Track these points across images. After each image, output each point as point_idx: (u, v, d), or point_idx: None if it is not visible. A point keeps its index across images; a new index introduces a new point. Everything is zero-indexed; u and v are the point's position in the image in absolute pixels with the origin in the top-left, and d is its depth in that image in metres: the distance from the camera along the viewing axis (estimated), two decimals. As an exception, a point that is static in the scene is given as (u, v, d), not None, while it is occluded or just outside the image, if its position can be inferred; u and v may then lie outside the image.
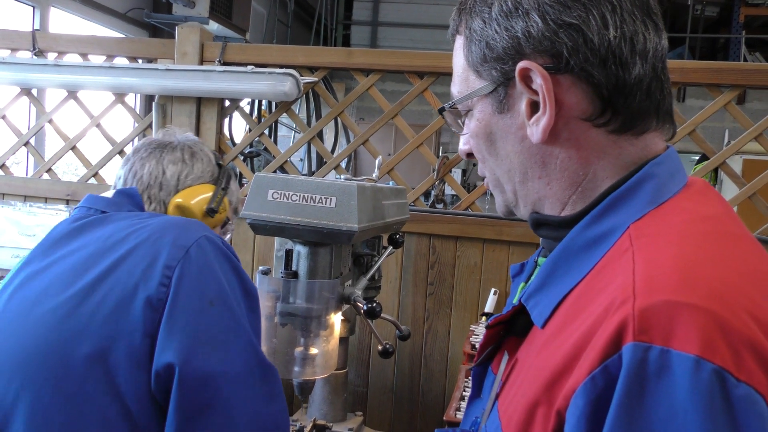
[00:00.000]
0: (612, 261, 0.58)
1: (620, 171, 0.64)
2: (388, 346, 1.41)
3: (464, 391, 1.22)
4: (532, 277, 0.67)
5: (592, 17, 0.61)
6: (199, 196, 1.22)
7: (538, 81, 0.62)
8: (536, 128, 0.64)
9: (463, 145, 0.75)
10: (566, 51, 0.61)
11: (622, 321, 0.50)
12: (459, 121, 0.74)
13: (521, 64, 0.63)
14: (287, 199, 1.26)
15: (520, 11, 0.63)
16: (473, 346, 1.54)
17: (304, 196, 1.26)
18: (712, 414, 0.45)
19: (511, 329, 0.70)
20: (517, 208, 0.72)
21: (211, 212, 1.23)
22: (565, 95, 0.63)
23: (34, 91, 2.35)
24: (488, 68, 0.66)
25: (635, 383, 0.47)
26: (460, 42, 0.71)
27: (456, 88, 0.72)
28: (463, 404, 1.15)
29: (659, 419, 0.46)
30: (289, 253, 1.31)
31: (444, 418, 1.09)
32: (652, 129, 0.65)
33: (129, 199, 1.15)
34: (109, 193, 1.16)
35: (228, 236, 1.39)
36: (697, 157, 6.58)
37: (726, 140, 5.63)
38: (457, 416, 1.12)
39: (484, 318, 1.90)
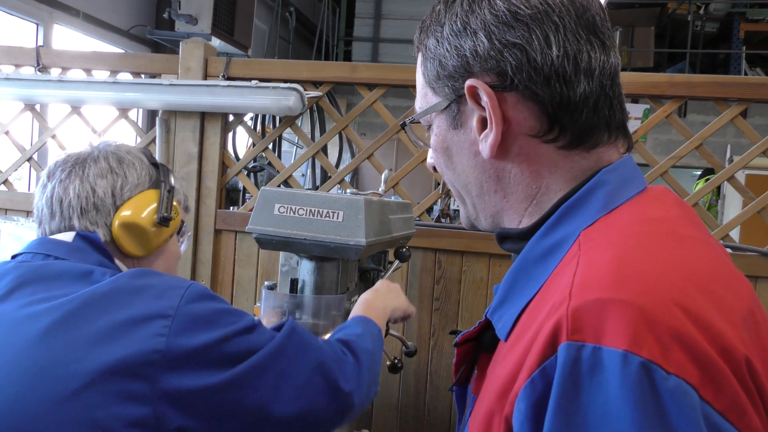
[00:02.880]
0: (563, 269, 0.59)
1: (572, 182, 0.66)
2: (396, 361, 1.39)
3: (474, 408, 1.20)
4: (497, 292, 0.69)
5: (535, 37, 0.62)
6: (145, 208, 1.04)
7: (485, 98, 0.64)
8: (485, 144, 0.66)
9: (429, 158, 0.77)
10: (510, 70, 0.63)
11: (557, 322, 0.51)
12: (426, 135, 0.77)
13: (468, 82, 0.65)
14: (294, 213, 1.25)
15: (468, 31, 0.65)
16: (481, 363, 1.51)
17: (311, 210, 1.24)
18: (643, 408, 0.45)
19: (481, 346, 0.71)
20: (478, 220, 0.74)
21: (164, 221, 1.06)
22: (512, 112, 0.64)
23: (38, 107, 2.35)
24: (441, 85, 0.69)
25: (570, 382, 0.48)
26: (420, 59, 0.73)
27: (417, 104, 0.75)
28: (474, 422, 1.13)
29: (594, 416, 0.47)
30: (294, 282, 1.31)
31: (455, 436, 1.06)
32: (604, 143, 0.66)
33: (92, 245, 0.99)
34: (64, 236, 0.99)
35: (185, 242, 1.24)
36: (699, 172, 6.58)
37: (728, 155, 5.63)
38: (468, 435, 1.09)
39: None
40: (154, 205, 1.06)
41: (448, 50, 0.67)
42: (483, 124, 0.66)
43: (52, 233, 1.03)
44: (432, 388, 2.01)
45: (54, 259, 0.94)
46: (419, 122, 0.75)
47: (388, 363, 1.39)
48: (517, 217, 0.69)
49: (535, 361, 0.51)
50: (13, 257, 0.99)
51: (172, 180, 1.13)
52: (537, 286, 0.61)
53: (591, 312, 0.50)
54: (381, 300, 1.29)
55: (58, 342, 0.80)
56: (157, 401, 0.79)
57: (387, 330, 1.30)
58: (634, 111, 6.62)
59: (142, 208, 1.04)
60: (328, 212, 1.23)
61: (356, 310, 1.24)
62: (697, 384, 0.46)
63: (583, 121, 0.64)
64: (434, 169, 0.77)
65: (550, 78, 0.62)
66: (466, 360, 0.74)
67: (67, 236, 0.99)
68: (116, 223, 1.02)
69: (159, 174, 1.10)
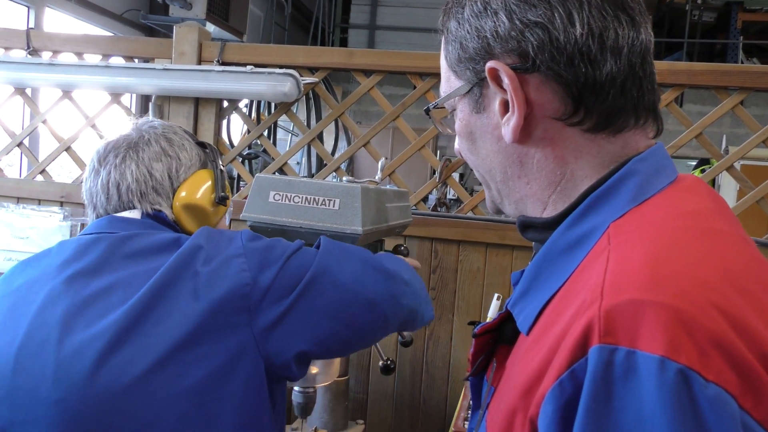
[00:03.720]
0: (590, 262, 0.57)
1: (600, 169, 0.63)
2: (389, 362, 1.36)
3: (471, 400, 1.18)
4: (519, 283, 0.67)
5: (557, 14, 0.60)
6: (201, 188, 1.09)
7: (506, 80, 0.62)
8: (507, 128, 0.64)
9: (456, 144, 0.75)
10: (532, 50, 0.61)
11: (588, 323, 0.48)
12: (440, 120, 0.75)
13: (489, 64, 0.63)
14: (289, 200, 1.23)
15: (488, 11, 0.63)
16: (478, 353, 1.50)
17: (306, 198, 1.22)
18: (681, 416, 0.43)
19: (501, 337, 0.70)
20: (502, 205, 0.72)
21: (223, 201, 1.13)
22: (534, 95, 0.62)
23: (29, 91, 2.31)
24: (463, 68, 0.67)
25: (602, 387, 0.46)
26: (443, 42, 0.72)
27: (442, 89, 0.73)
28: (470, 413, 1.11)
29: (627, 423, 0.44)
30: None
31: (452, 428, 1.05)
32: (632, 127, 0.63)
33: (160, 222, 1.06)
34: (130, 214, 1.04)
35: (228, 216, 1.29)
36: (694, 163, 6.58)
37: (724, 145, 5.62)
38: (466, 426, 1.08)
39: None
40: (209, 183, 1.11)
41: (468, 32, 0.65)
42: (505, 107, 0.64)
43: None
44: (428, 377, 2.00)
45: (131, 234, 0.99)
46: (444, 108, 0.72)
47: (380, 364, 1.36)
48: (540, 205, 0.67)
49: (563, 362, 0.49)
50: (85, 234, 1.02)
51: (220, 161, 1.19)
52: (562, 279, 0.59)
53: (625, 314, 0.47)
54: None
55: (164, 303, 0.89)
56: (258, 332, 0.91)
57: None
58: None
59: (199, 189, 1.10)
60: (324, 200, 1.21)
61: None
62: (737, 393, 0.44)
63: (609, 102, 0.61)
64: (460, 154, 0.76)
65: (573, 57, 0.60)
66: (484, 351, 0.72)
67: (134, 213, 1.04)
68: (177, 204, 1.07)
69: (206, 154, 1.16)
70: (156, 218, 1.05)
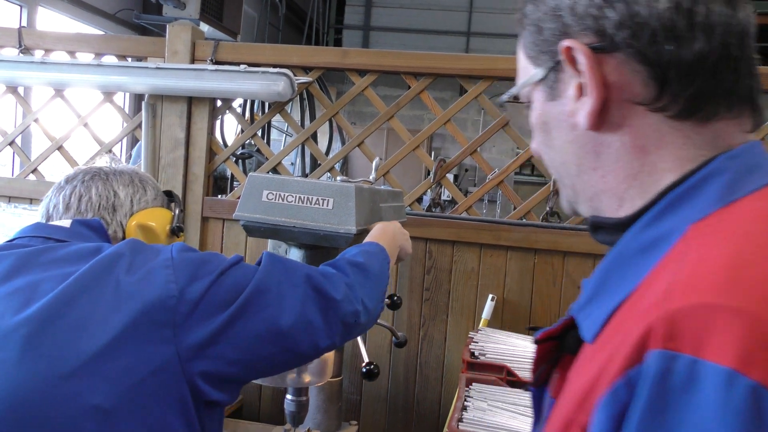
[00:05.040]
0: (665, 267, 0.51)
1: (684, 163, 0.56)
2: (372, 366, 1.34)
3: (466, 400, 1.18)
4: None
5: None
6: (161, 218, 1.11)
7: (582, 60, 0.57)
8: (582, 113, 0.58)
9: (533, 144, 0.69)
10: (611, 27, 0.56)
11: (649, 325, 0.43)
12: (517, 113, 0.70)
13: (564, 43, 0.58)
14: (282, 200, 1.22)
15: None
16: (472, 354, 1.49)
17: (300, 198, 1.21)
18: None
19: (565, 346, 0.64)
20: (577, 204, 0.66)
21: (178, 231, 1.14)
22: (613, 76, 0.57)
23: (21, 90, 2.29)
24: (538, 52, 0.62)
25: (657, 397, 0.41)
26: (522, 33, 0.66)
27: (519, 80, 0.67)
28: (465, 414, 1.10)
29: None
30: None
31: (446, 429, 1.04)
32: (723, 116, 0.56)
33: (91, 230, 1.00)
34: (61, 222, 1.00)
35: None
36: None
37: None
38: (460, 427, 1.07)
39: (482, 322, 1.86)
40: (168, 216, 1.13)
41: (545, 13, 0.60)
42: (581, 91, 0.59)
43: None
44: (421, 378, 1.99)
45: (55, 242, 0.95)
46: (518, 100, 0.67)
47: (363, 368, 1.34)
48: (616, 201, 0.61)
49: (618, 367, 0.44)
50: (8, 242, 0.98)
51: (180, 211, 1.20)
52: (632, 285, 0.53)
53: (692, 317, 0.42)
54: (392, 230, 1.28)
55: (75, 312, 0.82)
56: (183, 350, 0.83)
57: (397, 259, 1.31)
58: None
59: (158, 217, 1.11)
60: (317, 199, 1.20)
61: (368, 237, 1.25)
62: None
63: (697, 86, 0.55)
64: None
65: (656, 34, 0.54)
66: (546, 359, 0.66)
67: (65, 222, 1.00)
68: (133, 222, 1.06)
69: (172, 197, 1.18)
70: (90, 226, 1.01)
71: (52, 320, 0.81)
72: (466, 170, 7.90)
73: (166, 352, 0.82)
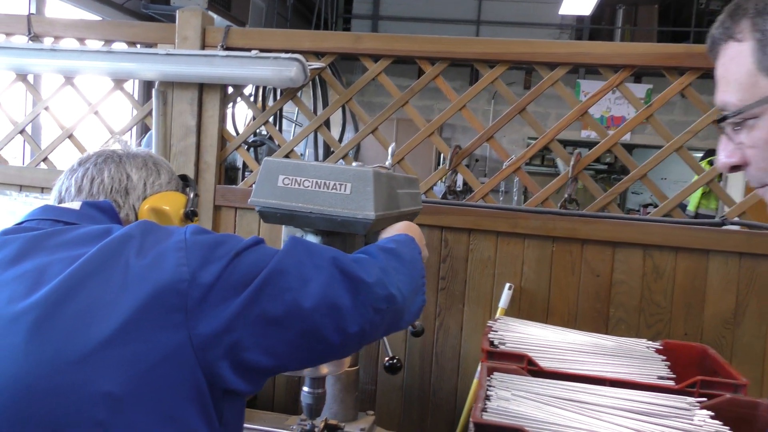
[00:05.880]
0: None
1: None
2: (396, 361, 1.31)
3: (488, 389, 1.15)
4: None
5: None
6: (175, 202, 1.09)
7: None
8: None
9: (727, 157, 0.67)
10: None
11: None
12: (730, 130, 0.67)
13: None
14: (299, 185, 1.19)
15: None
16: (491, 343, 1.46)
17: (317, 182, 1.18)
18: None
19: None
20: None
21: (192, 215, 1.11)
22: None
23: (31, 79, 2.27)
24: None
25: None
26: (737, 48, 0.64)
27: (734, 96, 0.65)
28: (489, 404, 1.07)
29: None
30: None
31: (471, 419, 1.01)
32: None
33: (102, 212, 0.97)
34: (70, 205, 0.97)
35: None
36: (701, 154, 6.51)
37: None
38: (484, 417, 1.04)
39: (499, 311, 1.83)
40: (182, 200, 1.11)
41: None
42: None
43: None
44: (437, 369, 1.96)
45: (64, 225, 0.91)
46: (731, 117, 0.65)
47: (385, 361, 1.31)
48: None
49: None
50: (17, 225, 0.95)
51: (196, 195, 1.17)
52: None
53: None
54: (417, 228, 1.25)
55: (83, 296, 0.78)
56: (196, 337, 0.78)
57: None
58: (638, 91, 6.54)
59: (171, 201, 1.08)
60: (335, 184, 1.17)
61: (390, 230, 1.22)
62: None
63: None
64: (731, 168, 0.68)
65: None
66: None
67: (74, 205, 0.96)
68: (146, 206, 1.03)
69: (188, 182, 1.16)
70: (100, 209, 0.97)
71: (60, 305, 0.78)
72: (477, 160, 7.85)
73: (178, 338, 0.78)
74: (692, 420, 1.13)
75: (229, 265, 0.83)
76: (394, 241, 1.09)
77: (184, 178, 1.16)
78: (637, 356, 1.49)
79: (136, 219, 1.02)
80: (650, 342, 1.58)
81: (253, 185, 1.21)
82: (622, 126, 1.86)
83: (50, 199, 1.03)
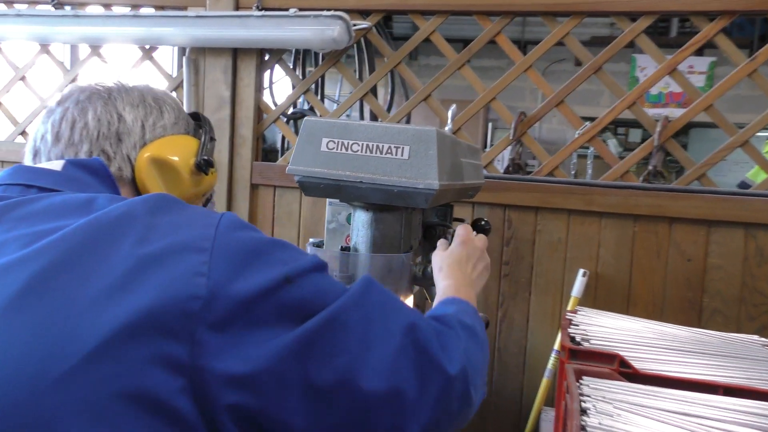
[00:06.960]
0: None
1: None
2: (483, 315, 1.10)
3: (582, 400, 0.92)
4: None
5: None
6: (183, 149, 0.84)
7: None
8: None
9: None
10: None
11: None
12: None
13: None
14: (346, 149, 0.98)
15: None
16: (572, 339, 1.23)
17: (368, 146, 0.97)
18: None
19: None
20: None
21: (206, 165, 0.85)
22: None
23: (58, 51, 2.12)
24: None
25: None
26: None
27: None
28: (588, 420, 0.85)
29: None
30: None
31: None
32: None
33: (92, 174, 0.73)
34: (50, 165, 0.72)
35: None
36: (766, 133, 6.06)
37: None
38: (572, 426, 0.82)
39: (572, 301, 1.59)
40: (192, 146, 0.86)
41: None
42: None
43: None
44: (500, 366, 1.74)
45: (38, 191, 0.67)
46: None
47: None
48: None
49: None
50: None
51: (212, 137, 0.91)
52: None
53: None
54: (465, 267, 1.00)
55: (48, 298, 0.52)
56: (199, 376, 0.52)
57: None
58: (698, 65, 6.12)
59: (179, 148, 0.83)
60: (390, 147, 0.96)
61: (440, 292, 0.94)
62: None
63: None
64: None
65: None
66: None
67: (55, 165, 0.71)
68: (145, 155, 0.79)
69: (198, 124, 0.90)
70: (89, 169, 0.73)
71: (11, 312, 0.52)
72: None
73: (168, 384, 0.52)
74: None
75: (276, 289, 0.57)
76: (463, 312, 0.83)
77: (195, 116, 0.91)
78: (747, 356, 1.24)
79: (133, 174, 0.78)
80: (759, 338, 1.33)
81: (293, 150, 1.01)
82: (720, 83, 1.59)
83: (25, 152, 0.80)
